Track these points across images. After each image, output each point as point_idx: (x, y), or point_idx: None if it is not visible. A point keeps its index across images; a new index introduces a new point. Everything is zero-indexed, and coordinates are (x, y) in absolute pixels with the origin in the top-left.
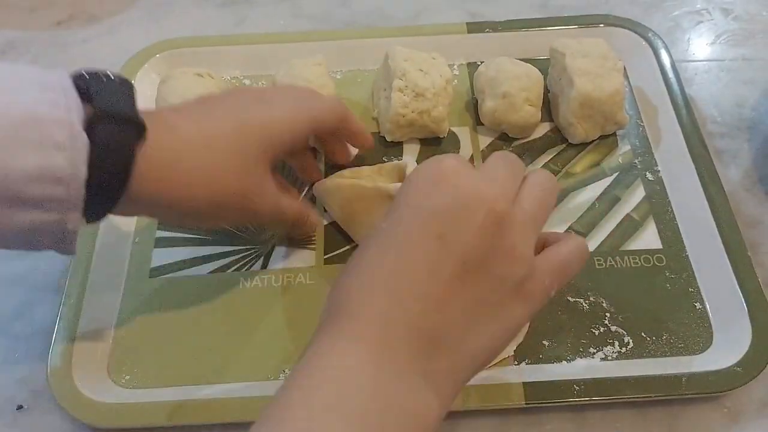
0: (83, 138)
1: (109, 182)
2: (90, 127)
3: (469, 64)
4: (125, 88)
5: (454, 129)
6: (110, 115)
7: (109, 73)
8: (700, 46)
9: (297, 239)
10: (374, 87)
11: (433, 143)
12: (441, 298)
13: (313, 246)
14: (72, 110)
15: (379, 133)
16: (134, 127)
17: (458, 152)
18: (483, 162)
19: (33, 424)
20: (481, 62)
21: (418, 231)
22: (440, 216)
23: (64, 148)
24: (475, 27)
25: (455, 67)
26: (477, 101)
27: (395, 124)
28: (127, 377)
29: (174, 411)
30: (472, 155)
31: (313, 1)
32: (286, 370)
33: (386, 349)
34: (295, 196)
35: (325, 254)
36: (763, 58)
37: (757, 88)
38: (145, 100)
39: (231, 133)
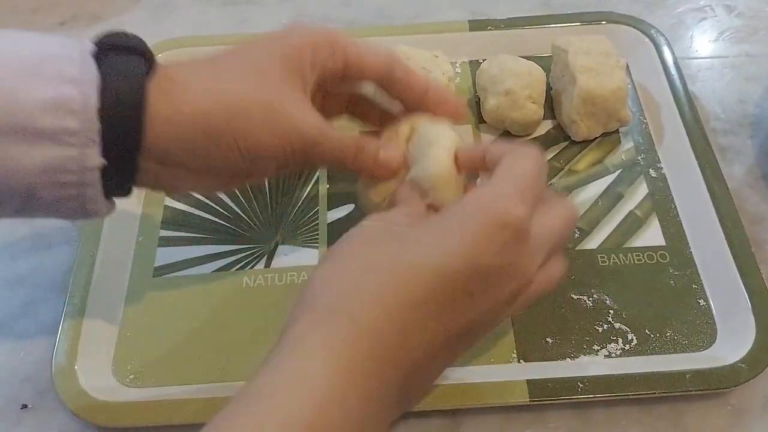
0: (93, 71)
1: (123, 116)
2: (100, 59)
3: (471, 62)
4: (135, 37)
5: (456, 127)
6: (119, 47)
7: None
8: (703, 43)
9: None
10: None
11: None
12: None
13: (316, 244)
14: (85, 50)
15: None
16: (143, 59)
17: None
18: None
19: (38, 423)
20: (484, 60)
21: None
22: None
23: (75, 81)
24: (477, 25)
25: (457, 65)
26: (479, 99)
27: None
28: (132, 376)
29: (178, 409)
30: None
31: (315, 1)
32: None
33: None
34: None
35: None
36: (766, 54)
37: (760, 85)
38: None
39: (242, 52)
